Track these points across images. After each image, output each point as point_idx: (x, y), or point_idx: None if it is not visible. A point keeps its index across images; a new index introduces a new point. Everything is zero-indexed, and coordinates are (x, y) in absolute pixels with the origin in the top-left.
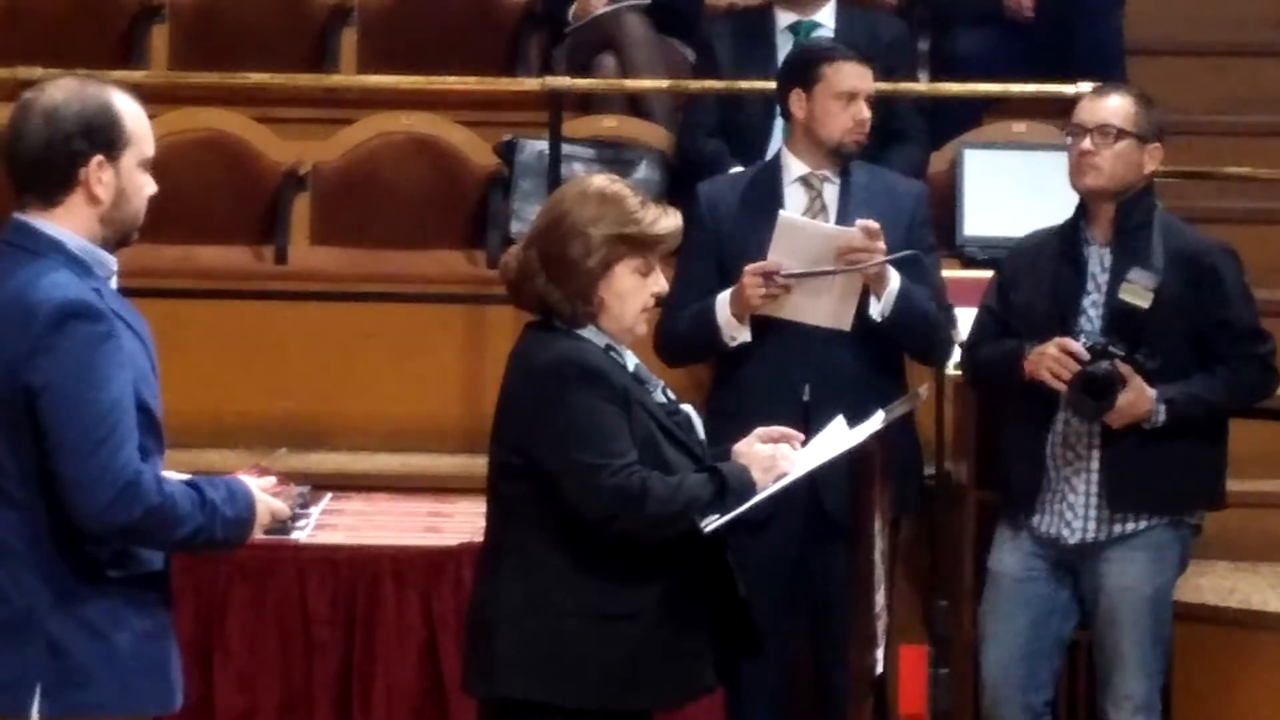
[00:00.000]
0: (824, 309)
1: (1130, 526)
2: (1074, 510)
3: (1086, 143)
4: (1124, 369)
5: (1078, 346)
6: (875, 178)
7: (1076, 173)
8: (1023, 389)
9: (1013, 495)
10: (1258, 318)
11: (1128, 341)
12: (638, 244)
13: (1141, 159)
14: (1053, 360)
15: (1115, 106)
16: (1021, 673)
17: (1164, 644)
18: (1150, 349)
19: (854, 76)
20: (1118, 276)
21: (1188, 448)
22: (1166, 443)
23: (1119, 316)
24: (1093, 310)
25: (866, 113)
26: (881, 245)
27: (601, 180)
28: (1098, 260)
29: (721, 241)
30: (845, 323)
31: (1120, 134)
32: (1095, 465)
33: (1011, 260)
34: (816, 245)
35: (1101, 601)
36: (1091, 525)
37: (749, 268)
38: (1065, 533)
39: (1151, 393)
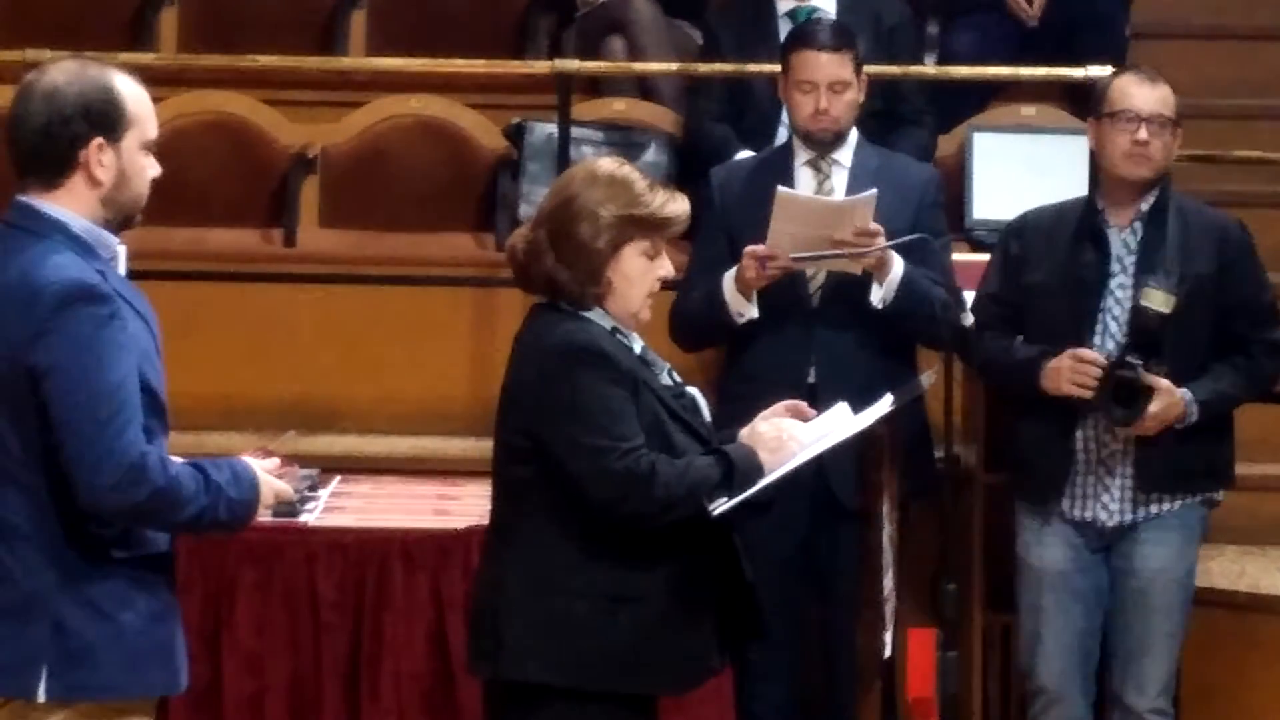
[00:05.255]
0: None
1: (1166, 506)
2: (1111, 494)
3: (1142, 132)
4: (1150, 378)
5: (1094, 354)
6: (886, 161)
7: (1128, 162)
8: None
9: (1039, 482)
10: (1273, 298)
11: (1145, 346)
12: (646, 226)
13: (1175, 144)
14: (1071, 372)
15: (1165, 96)
16: (1085, 673)
17: (1185, 622)
18: (1162, 359)
19: (810, 67)
20: (1145, 259)
21: (1209, 427)
22: (1192, 425)
23: (1140, 319)
24: (1120, 293)
25: (825, 103)
26: (880, 231)
27: (610, 163)
28: (1120, 243)
29: (732, 225)
30: (854, 268)
31: (1173, 124)
32: (1128, 449)
33: (1017, 240)
34: (818, 218)
35: (1131, 584)
36: (1129, 507)
37: (747, 249)
38: (1103, 515)
39: (1181, 394)
